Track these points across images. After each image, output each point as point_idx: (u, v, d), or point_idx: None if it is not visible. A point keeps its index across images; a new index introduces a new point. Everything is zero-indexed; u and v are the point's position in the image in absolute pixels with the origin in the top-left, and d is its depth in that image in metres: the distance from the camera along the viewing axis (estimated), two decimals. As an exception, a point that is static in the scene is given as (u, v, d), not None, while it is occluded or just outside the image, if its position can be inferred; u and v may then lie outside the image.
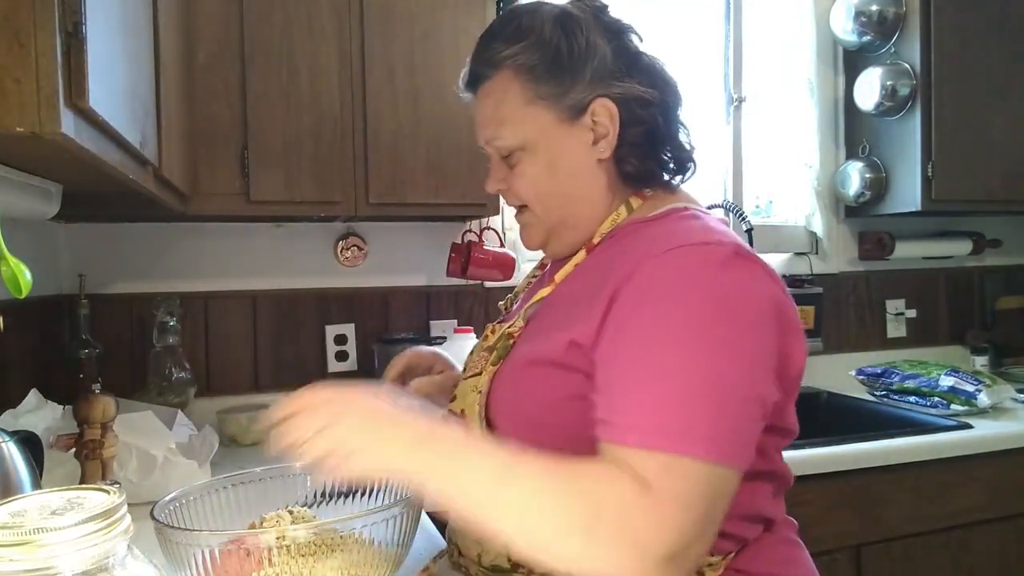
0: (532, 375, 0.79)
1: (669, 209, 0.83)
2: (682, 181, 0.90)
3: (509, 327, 0.86)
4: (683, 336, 0.67)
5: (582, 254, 0.86)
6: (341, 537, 0.80)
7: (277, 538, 0.76)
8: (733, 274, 0.71)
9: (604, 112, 0.82)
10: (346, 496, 0.97)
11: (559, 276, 0.86)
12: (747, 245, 0.76)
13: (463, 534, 0.86)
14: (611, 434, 0.67)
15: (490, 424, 0.82)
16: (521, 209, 0.91)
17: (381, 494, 0.97)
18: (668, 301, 0.69)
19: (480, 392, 0.82)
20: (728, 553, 0.78)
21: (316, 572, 0.78)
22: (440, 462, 0.68)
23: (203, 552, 0.77)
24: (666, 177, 0.88)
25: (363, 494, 0.97)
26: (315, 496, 0.98)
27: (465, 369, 0.91)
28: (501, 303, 1.05)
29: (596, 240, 0.85)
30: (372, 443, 0.69)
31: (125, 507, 0.49)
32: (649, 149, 0.85)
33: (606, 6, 0.87)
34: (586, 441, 0.69)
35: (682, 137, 0.88)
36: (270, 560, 0.76)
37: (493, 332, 0.90)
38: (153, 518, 0.80)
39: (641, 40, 0.87)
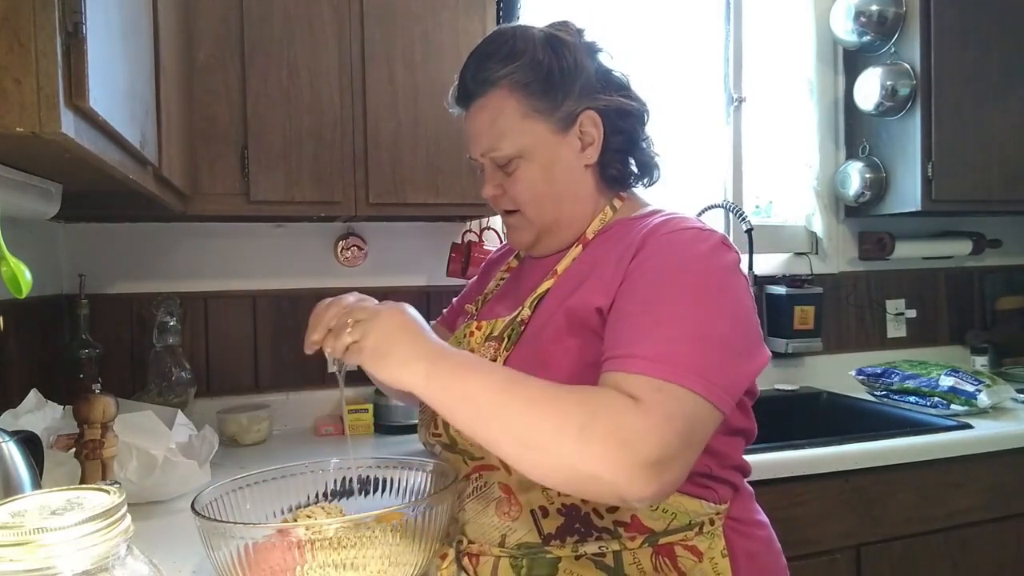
0: (554, 350, 0.86)
1: (651, 210, 0.95)
2: (648, 185, 1.03)
3: (516, 316, 0.93)
4: (687, 294, 0.78)
5: (578, 248, 0.96)
6: (380, 529, 0.83)
7: (318, 529, 0.80)
8: (724, 256, 0.83)
9: (590, 123, 0.94)
10: (362, 492, 1.02)
11: (560, 267, 0.96)
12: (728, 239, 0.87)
13: (478, 523, 0.90)
14: (613, 364, 0.76)
15: None
16: (511, 212, 1.00)
17: (395, 490, 1.02)
18: (674, 266, 0.81)
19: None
20: (726, 501, 0.90)
21: (358, 562, 0.80)
22: (452, 368, 0.75)
23: (248, 544, 0.79)
24: (641, 180, 1.02)
25: (378, 490, 1.03)
26: (333, 492, 1.03)
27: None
28: (470, 305, 1.13)
29: (590, 236, 0.96)
30: (394, 343, 0.76)
31: (125, 507, 0.49)
32: (628, 155, 0.98)
33: (583, 29, 0.99)
34: None
35: (648, 147, 1.00)
36: (313, 553, 0.78)
37: (480, 328, 0.98)
38: (195, 511, 0.83)
39: (612, 58, 0.99)
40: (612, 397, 0.72)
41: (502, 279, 1.12)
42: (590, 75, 0.94)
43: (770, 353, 0.85)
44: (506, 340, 0.91)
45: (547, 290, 0.94)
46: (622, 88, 0.97)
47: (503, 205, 1.00)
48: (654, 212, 0.94)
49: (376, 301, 0.83)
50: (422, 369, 0.75)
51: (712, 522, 0.88)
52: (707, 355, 0.75)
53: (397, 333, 0.77)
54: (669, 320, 0.77)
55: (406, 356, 0.76)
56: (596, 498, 0.78)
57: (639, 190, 1.04)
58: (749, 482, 0.99)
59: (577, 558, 0.84)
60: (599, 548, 0.84)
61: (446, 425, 0.90)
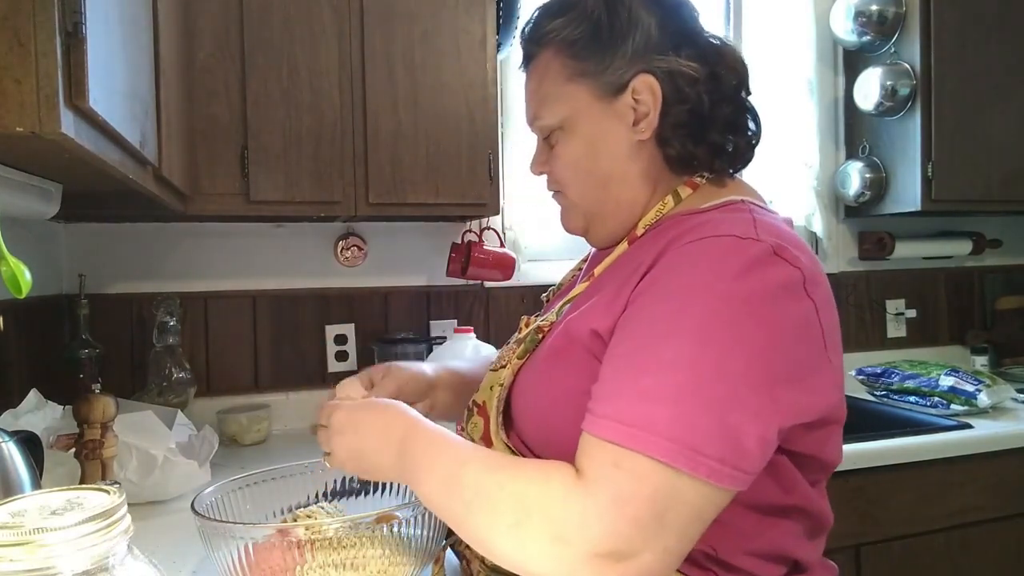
0: (553, 368, 0.76)
1: (725, 201, 0.77)
2: (738, 170, 0.84)
3: (541, 320, 0.83)
4: (689, 331, 0.62)
5: (624, 246, 0.81)
6: (380, 529, 0.84)
7: (318, 529, 0.80)
8: (765, 274, 0.65)
9: (646, 89, 0.77)
10: (361, 493, 1.02)
11: (598, 270, 0.82)
12: (796, 250, 0.68)
13: None
14: (586, 422, 0.64)
15: (509, 418, 0.80)
16: (558, 192, 0.87)
17: (395, 490, 1.03)
18: (684, 290, 0.65)
19: (502, 386, 0.79)
20: None
21: (358, 562, 0.80)
22: (412, 469, 0.73)
23: (247, 544, 0.80)
24: (720, 164, 0.81)
25: (377, 490, 1.03)
26: (333, 492, 1.03)
27: (496, 360, 0.87)
28: (544, 295, 1.03)
29: (640, 232, 0.80)
30: (368, 456, 0.78)
31: (125, 507, 0.49)
32: (695, 131, 0.78)
33: None
34: None
35: (742, 122, 0.81)
36: (313, 553, 0.78)
37: (527, 324, 0.86)
38: (195, 511, 0.83)
39: (698, 15, 0.82)
40: (552, 483, 0.62)
41: (579, 269, 0.97)
42: (650, 31, 0.77)
43: (837, 398, 0.71)
44: (523, 346, 0.81)
45: (579, 294, 0.81)
46: (702, 50, 0.78)
47: (549, 185, 0.88)
48: (724, 205, 0.76)
49: (361, 397, 0.88)
50: (395, 474, 0.77)
51: None
52: (696, 415, 0.59)
53: (362, 436, 0.79)
54: (657, 367, 0.62)
55: (373, 467, 0.78)
56: None
57: (726, 178, 0.82)
58: None
59: None
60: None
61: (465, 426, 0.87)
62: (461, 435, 0.83)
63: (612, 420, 0.61)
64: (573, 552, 0.58)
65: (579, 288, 0.82)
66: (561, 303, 0.83)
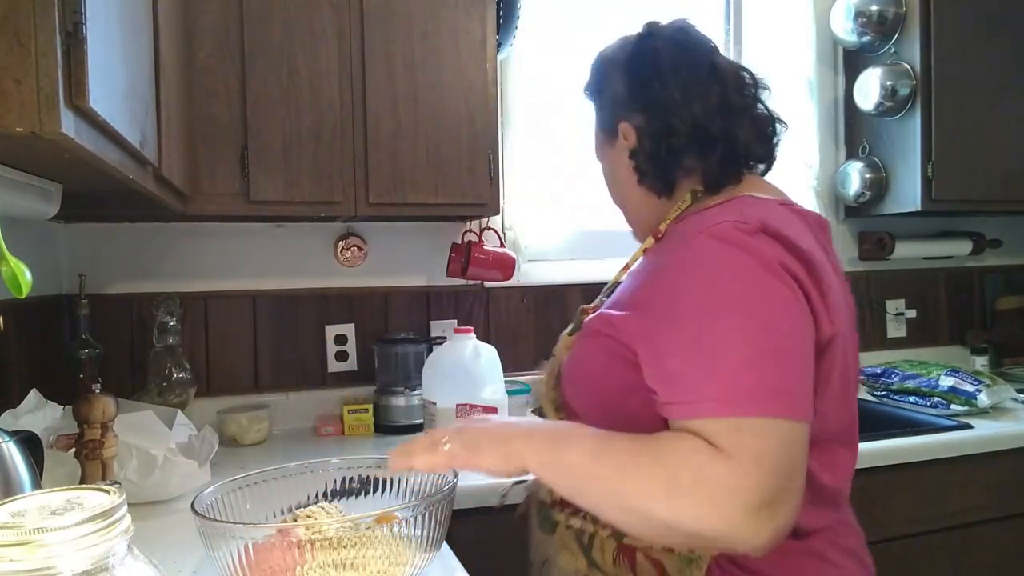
0: (585, 344, 0.91)
1: (728, 197, 0.89)
2: (760, 171, 0.97)
3: (590, 304, 1.00)
4: (728, 310, 0.73)
5: (650, 241, 0.96)
6: (380, 529, 0.85)
7: (318, 529, 0.81)
8: (748, 244, 0.76)
9: (626, 132, 0.96)
10: (361, 493, 1.03)
11: (632, 263, 1.00)
12: (782, 226, 0.78)
13: None
14: (680, 413, 0.73)
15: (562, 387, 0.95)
16: None
17: (395, 490, 1.04)
18: (693, 286, 0.76)
19: (555, 356, 0.98)
20: None
21: (358, 562, 0.81)
22: (548, 442, 0.79)
23: (248, 544, 0.80)
24: (710, 179, 0.92)
25: (377, 490, 1.04)
26: (333, 492, 1.04)
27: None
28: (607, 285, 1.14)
29: (662, 229, 0.94)
30: (482, 435, 0.82)
31: (125, 507, 0.49)
32: (658, 166, 0.94)
33: (633, 38, 0.99)
34: (617, 401, 0.83)
35: (710, 148, 0.91)
36: (313, 553, 0.78)
37: (584, 312, 1.01)
38: (195, 511, 0.83)
39: (660, 70, 0.94)
40: (691, 450, 0.69)
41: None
42: (618, 89, 0.97)
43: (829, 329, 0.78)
44: (571, 325, 0.98)
45: (616, 283, 0.99)
46: (659, 105, 0.93)
47: None
48: (728, 200, 0.88)
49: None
50: (528, 448, 0.79)
51: (691, 548, 0.81)
52: (762, 370, 0.70)
53: (482, 428, 0.84)
54: (711, 346, 0.72)
55: (498, 441, 0.81)
56: (717, 550, 0.79)
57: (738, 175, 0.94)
58: None
59: (567, 528, 0.89)
60: (580, 526, 0.88)
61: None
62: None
63: (714, 401, 0.70)
64: (729, 509, 0.66)
65: (618, 276, 1.01)
66: (605, 289, 1.00)
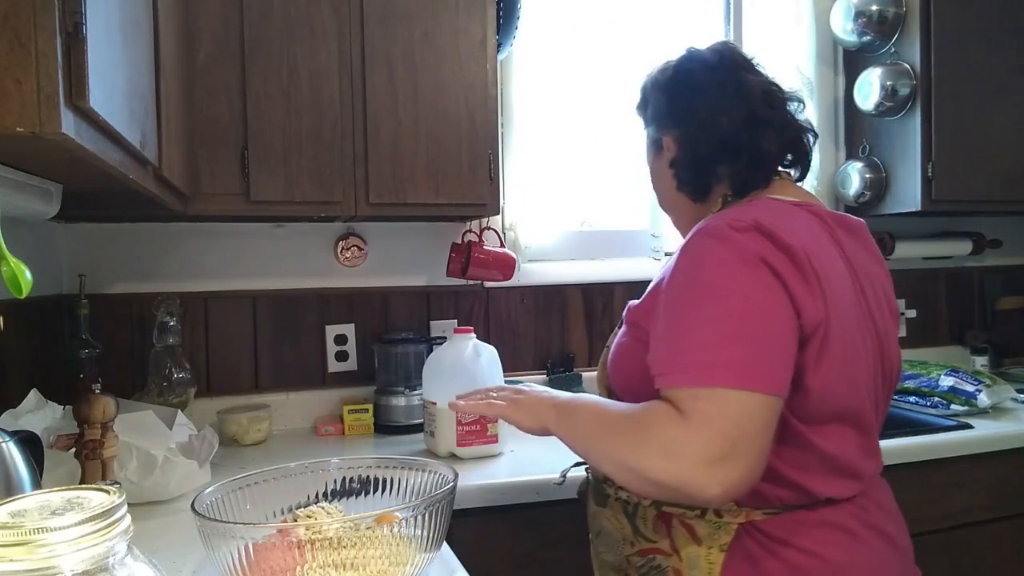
0: (621, 333, 1.05)
1: (752, 199, 1.00)
2: (795, 177, 1.07)
3: (632, 303, 1.08)
4: (696, 298, 0.84)
5: (682, 242, 1.03)
6: (380, 529, 0.85)
7: (318, 529, 0.81)
8: (732, 239, 0.85)
9: (668, 144, 1.08)
10: (361, 493, 1.04)
11: (665, 261, 1.11)
12: (775, 224, 0.87)
13: None
14: (658, 384, 0.85)
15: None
16: None
17: (395, 490, 1.05)
18: (687, 274, 0.87)
19: (607, 347, 1.10)
20: (761, 507, 0.89)
21: (358, 562, 0.81)
22: (569, 411, 0.97)
23: (248, 544, 0.80)
24: (738, 184, 1.03)
25: (377, 490, 1.05)
26: (333, 492, 1.05)
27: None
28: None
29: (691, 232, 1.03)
30: (535, 402, 1.03)
31: (125, 507, 0.49)
32: (692, 174, 1.06)
33: (674, 61, 1.10)
34: (642, 379, 0.90)
35: (740, 156, 1.01)
36: (313, 553, 0.78)
37: None
38: (195, 511, 0.83)
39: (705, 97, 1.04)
40: (659, 414, 0.82)
41: None
42: (660, 107, 1.09)
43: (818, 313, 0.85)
44: (620, 320, 1.08)
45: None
46: (694, 119, 1.05)
47: None
48: (742, 205, 0.99)
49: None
50: (553, 414, 0.98)
51: (719, 514, 0.90)
52: (729, 347, 0.80)
53: (526, 393, 1.06)
54: (688, 327, 0.84)
55: (534, 404, 1.02)
56: (684, 502, 0.90)
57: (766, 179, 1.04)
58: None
59: (616, 500, 1.00)
60: (626, 497, 0.99)
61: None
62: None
63: (679, 372, 0.82)
64: (682, 462, 0.77)
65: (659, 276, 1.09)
66: (651, 285, 1.07)
